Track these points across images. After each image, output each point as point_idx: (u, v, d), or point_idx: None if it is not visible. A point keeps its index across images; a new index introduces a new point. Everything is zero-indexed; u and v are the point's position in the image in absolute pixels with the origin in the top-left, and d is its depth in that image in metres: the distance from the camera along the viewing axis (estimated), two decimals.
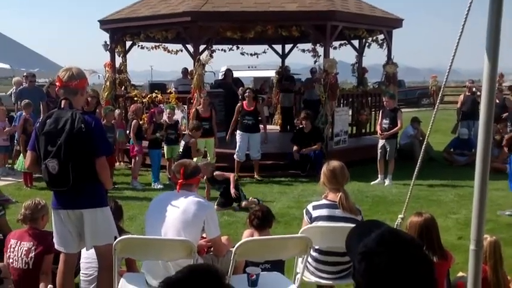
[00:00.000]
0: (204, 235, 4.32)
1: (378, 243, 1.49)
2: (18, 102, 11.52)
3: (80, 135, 3.71)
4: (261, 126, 11.02)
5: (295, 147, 10.86)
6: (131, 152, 10.52)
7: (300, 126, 11.28)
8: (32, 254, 4.61)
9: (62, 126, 3.73)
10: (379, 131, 10.50)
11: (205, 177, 8.32)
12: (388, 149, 10.09)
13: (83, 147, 3.73)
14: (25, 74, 13.24)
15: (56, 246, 4.12)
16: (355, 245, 1.55)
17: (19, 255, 4.65)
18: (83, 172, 3.76)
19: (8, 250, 4.71)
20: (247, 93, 10.80)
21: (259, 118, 10.93)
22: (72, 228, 3.94)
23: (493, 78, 2.34)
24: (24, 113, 10.47)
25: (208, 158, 10.41)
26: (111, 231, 3.99)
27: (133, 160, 10.32)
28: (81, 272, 4.57)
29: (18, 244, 4.69)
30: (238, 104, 10.88)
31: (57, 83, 4.01)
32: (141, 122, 10.90)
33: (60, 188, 3.82)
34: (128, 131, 10.79)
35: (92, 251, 4.10)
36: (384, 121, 10.31)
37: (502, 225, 7.19)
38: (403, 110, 12.06)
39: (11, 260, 4.68)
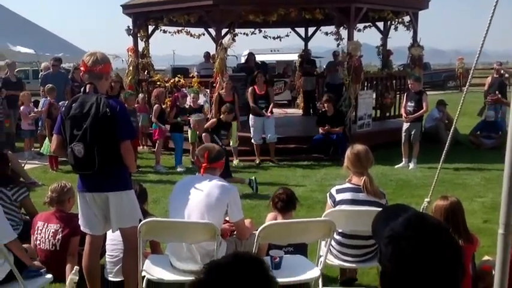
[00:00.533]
0: (227, 218, 4.34)
1: (405, 227, 1.47)
2: (43, 87, 11.65)
3: (105, 120, 3.74)
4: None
5: (321, 129, 10.80)
6: (154, 136, 10.60)
7: (323, 109, 11.19)
8: (59, 236, 4.70)
9: (87, 111, 3.77)
10: (403, 114, 10.37)
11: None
12: (412, 132, 9.96)
13: (108, 131, 3.76)
14: (51, 59, 13.38)
15: (81, 229, 4.18)
16: (381, 229, 1.54)
17: (46, 237, 4.75)
18: (108, 156, 3.79)
19: (35, 232, 4.82)
20: (258, 77, 10.77)
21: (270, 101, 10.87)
22: (98, 210, 3.98)
23: None
24: (48, 98, 10.61)
25: (231, 142, 10.43)
26: (136, 213, 4.02)
27: (156, 144, 10.39)
28: (106, 253, 4.64)
29: (45, 226, 4.79)
30: (251, 88, 10.86)
31: (82, 68, 4.05)
32: (163, 106, 10.96)
33: (85, 172, 3.86)
34: (150, 115, 10.86)
35: (118, 233, 4.15)
36: (409, 104, 10.17)
37: None
38: (428, 93, 11.88)
39: (38, 242, 4.79)
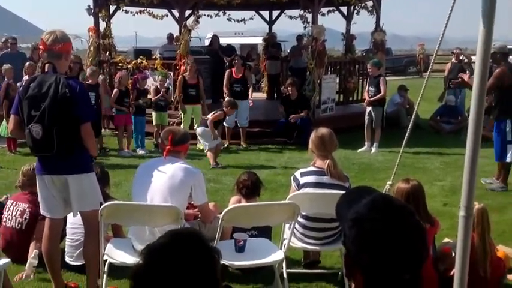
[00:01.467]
0: (192, 202, 4.30)
1: (369, 209, 1.46)
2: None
3: (64, 100, 3.61)
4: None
5: (281, 109, 10.85)
6: (115, 121, 10.37)
7: (287, 93, 11.21)
8: (26, 215, 4.62)
9: (45, 91, 3.63)
10: (366, 98, 10.49)
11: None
12: (374, 117, 10.10)
13: (67, 113, 3.64)
14: (6, 38, 12.96)
15: (41, 212, 4.08)
16: (345, 211, 1.53)
17: (13, 215, 4.67)
18: (68, 137, 3.68)
19: (4, 210, 4.71)
20: (235, 60, 10.67)
21: (248, 85, 10.80)
22: (57, 193, 3.88)
23: (487, 43, 2.29)
24: (6, 78, 10.27)
25: (195, 125, 10.34)
26: (96, 197, 3.93)
27: (119, 130, 10.18)
28: (66, 237, 4.57)
29: (13, 204, 4.72)
30: (228, 71, 10.76)
31: (41, 47, 3.90)
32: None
33: (44, 154, 3.74)
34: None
35: (78, 216, 4.06)
36: (370, 89, 10.30)
37: (488, 192, 7.27)
38: (390, 78, 12.04)
39: (4, 219, 4.68)
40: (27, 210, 4.66)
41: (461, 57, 13.28)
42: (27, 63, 10.61)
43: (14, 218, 4.69)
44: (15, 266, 4.51)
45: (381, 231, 1.41)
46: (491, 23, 2.23)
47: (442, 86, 13.71)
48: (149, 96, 10.48)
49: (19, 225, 4.66)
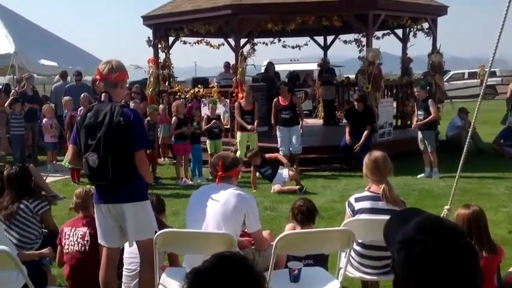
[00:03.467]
0: (246, 230, 4.27)
1: (418, 231, 1.39)
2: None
3: (119, 129, 3.69)
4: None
5: (347, 131, 10.71)
6: (173, 150, 10.50)
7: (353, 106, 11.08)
8: (87, 238, 4.66)
9: (101, 120, 3.73)
10: (414, 123, 10.27)
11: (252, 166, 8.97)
12: (426, 141, 9.82)
13: (121, 141, 3.71)
14: (74, 72, 13.59)
15: (98, 241, 4.15)
16: (393, 234, 1.46)
17: (75, 240, 4.73)
18: (123, 166, 3.75)
19: (63, 238, 4.81)
20: (281, 89, 10.70)
21: (297, 111, 10.73)
22: (114, 222, 3.94)
23: None
24: (66, 110, 10.73)
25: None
26: (152, 225, 3.96)
27: (177, 159, 10.31)
28: (124, 267, 4.60)
29: (73, 231, 4.78)
30: (275, 99, 10.79)
31: (97, 76, 4.03)
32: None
33: (100, 182, 3.83)
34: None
35: (135, 246, 4.09)
36: (419, 112, 10.08)
37: None
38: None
39: (66, 247, 4.77)
40: (88, 232, 4.71)
41: None
42: (82, 95, 11.04)
43: (75, 242, 4.76)
44: None
45: (430, 253, 1.34)
46: None
47: (505, 108, 13.21)
48: (201, 124, 10.58)
49: (82, 248, 4.70)
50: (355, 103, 10.82)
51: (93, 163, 3.72)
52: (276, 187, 9.06)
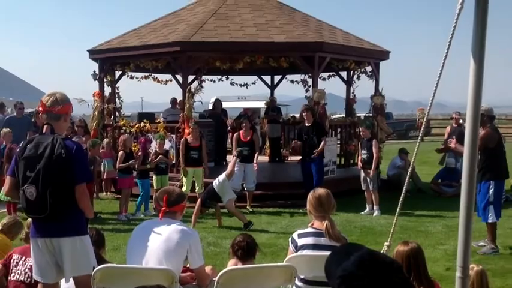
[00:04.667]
0: (188, 265, 4.21)
1: (358, 266, 1.43)
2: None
3: (60, 161, 3.62)
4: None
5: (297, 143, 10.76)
6: (118, 184, 10.32)
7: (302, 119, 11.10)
8: None
9: (41, 152, 3.65)
10: (359, 162, 10.53)
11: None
12: (368, 180, 10.08)
13: (62, 173, 3.63)
14: (15, 103, 13.23)
15: (34, 277, 3.99)
16: (334, 269, 1.49)
17: (23, 270, 4.58)
18: (62, 199, 3.65)
19: (11, 265, 4.62)
20: (244, 124, 10.75)
21: (255, 148, 10.78)
22: (50, 257, 3.80)
23: (477, 109, 2.34)
24: (4, 142, 10.40)
25: (197, 188, 10.32)
26: (90, 261, 3.85)
27: (122, 192, 10.09)
28: None
29: (22, 259, 4.62)
30: (236, 134, 10.81)
31: (40, 108, 3.95)
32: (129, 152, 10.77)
33: (37, 215, 3.71)
34: (115, 161, 10.66)
35: (71, 282, 3.96)
36: (363, 151, 10.39)
37: (489, 255, 7.13)
38: (391, 141, 12.10)
39: (12, 274, 4.59)
40: None
41: (460, 121, 13.39)
42: (2, 131, 10.74)
43: (23, 272, 4.61)
44: None
45: None
46: (479, 88, 2.28)
47: None
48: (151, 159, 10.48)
49: (28, 279, 4.56)
50: (304, 113, 10.71)
51: (31, 196, 3.62)
52: (228, 204, 9.05)
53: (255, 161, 10.62)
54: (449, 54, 2.55)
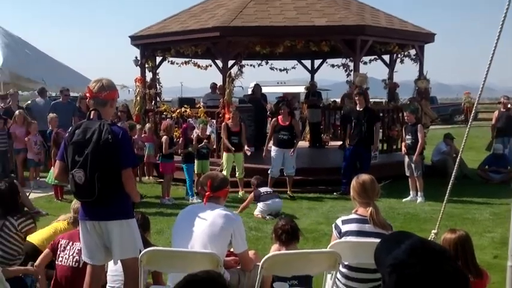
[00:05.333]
0: (231, 249, 4.25)
1: (409, 254, 1.40)
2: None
3: (107, 146, 3.68)
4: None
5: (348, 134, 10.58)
6: (161, 168, 10.43)
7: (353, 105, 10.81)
8: None
9: (89, 137, 3.72)
10: (403, 148, 10.33)
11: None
12: (413, 166, 9.89)
13: (109, 158, 3.70)
14: (61, 89, 13.52)
15: (83, 258, 4.10)
16: (384, 257, 1.46)
17: (70, 254, 4.66)
18: (109, 183, 3.73)
19: (58, 250, 4.74)
20: (282, 109, 10.69)
21: (295, 133, 10.64)
22: (98, 239, 3.90)
23: None
24: (50, 127, 10.66)
25: (237, 173, 10.37)
26: (137, 243, 3.93)
27: (165, 177, 10.17)
28: (107, 284, 4.54)
29: (69, 244, 4.71)
30: (273, 119, 10.77)
31: (88, 94, 4.02)
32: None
33: (86, 199, 3.80)
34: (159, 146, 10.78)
35: (119, 264, 4.05)
36: (407, 137, 10.16)
37: None
38: (436, 126, 11.85)
39: (60, 259, 4.70)
40: None
41: (508, 106, 13.00)
42: (49, 116, 11.02)
43: (71, 256, 4.70)
44: None
45: (420, 276, 1.34)
46: None
47: (490, 135, 13.40)
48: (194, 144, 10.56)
49: (76, 264, 4.64)
50: (356, 97, 10.44)
51: (80, 180, 3.70)
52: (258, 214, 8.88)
53: (294, 147, 10.48)
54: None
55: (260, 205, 8.77)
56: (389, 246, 1.50)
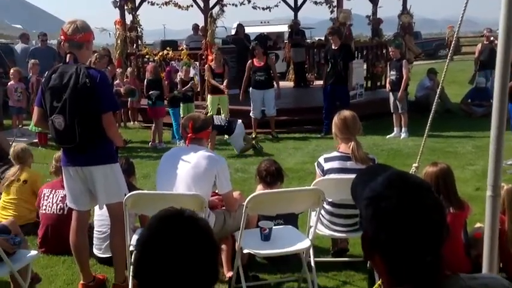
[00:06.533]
0: (216, 190, 4.27)
1: (386, 186, 1.39)
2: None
3: (85, 90, 3.60)
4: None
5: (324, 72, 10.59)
6: (153, 113, 10.14)
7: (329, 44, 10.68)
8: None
9: (66, 81, 3.63)
10: (387, 84, 10.31)
11: None
12: (397, 103, 9.91)
13: (88, 103, 3.62)
14: (38, 34, 13.20)
15: (67, 204, 4.11)
16: (361, 190, 1.46)
17: (54, 201, 4.73)
18: (90, 128, 3.67)
19: (41, 199, 4.77)
20: (256, 50, 10.53)
21: (271, 73, 10.59)
22: (83, 185, 3.88)
23: (509, 24, 2.21)
24: (31, 73, 10.46)
25: (223, 115, 10.33)
26: (121, 188, 3.92)
27: (155, 122, 10.02)
28: (94, 229, 4.59)
29: (52, 192, 4.77)
30: (249, 61, 10.62)
31: (62, 37, 3.90)
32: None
33: (67, 145, 3.75)
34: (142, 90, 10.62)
35: (105, 208, 4.06)
36: (392, 73, 10.11)
37: None
38: (420, 62, 11.80)
39: (44, 207, 4.74)
40: None
41: (491, 38, 12.93)
42: (30, 62, 10.76)
43: (54, 204, 4.75)
44: (52, 256, 4.64)
45: (397, 208, 1.34)
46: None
47: (473, 68, 13.40)
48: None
49: (61, 211, 4.70)
50: (330, 37, 10.37)
51: (59, 126, 3.64)
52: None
53: (275, 87, 10.43)
54: None
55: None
56: (365, 179, 1.49)
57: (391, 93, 10.11)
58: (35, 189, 5.14)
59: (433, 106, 3.43)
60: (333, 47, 10.31)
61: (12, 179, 5.12)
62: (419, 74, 13.64)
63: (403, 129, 9.99)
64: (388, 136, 9.98)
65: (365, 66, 12.90)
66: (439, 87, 3.74)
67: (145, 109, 10.64)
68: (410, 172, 3.46)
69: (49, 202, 4.79)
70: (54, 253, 4.75)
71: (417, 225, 1.33)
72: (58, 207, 4.74)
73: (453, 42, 3.76)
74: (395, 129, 10.09)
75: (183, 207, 1.56)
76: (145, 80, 10.25)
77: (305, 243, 3.91)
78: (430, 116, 3.34)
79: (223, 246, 4.22)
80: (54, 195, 4.80)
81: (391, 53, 10.35)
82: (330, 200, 4.12)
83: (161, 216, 1.55)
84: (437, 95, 3.69)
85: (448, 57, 3.29)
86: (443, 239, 1.37)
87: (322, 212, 4.16)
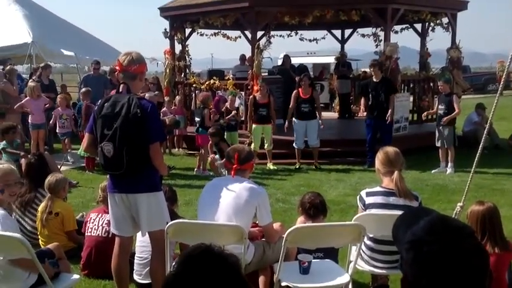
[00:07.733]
0: (257, 221, 4.29)
1: (427, 231, 1.39)
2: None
3: (136, 120, 3.72)
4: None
5: (362, 104, 10.49)
6: (199, 140, 10.25)
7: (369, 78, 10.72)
8: None
9: (118, 110, 3.77)
10: (424, 115, 10.21)
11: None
12: (444, 136, 9.73)
13: (137, 132, 3.74)
14: (92, 62, 13.61)
15: (111, 230, 4.21)
16: (402, 233, 1.46)
17: (100, 224, 4.86)
18: (137, 157, 3.78)
19: (88, 222, 4.91)
20: (303, 81, 10.62)
21: (315, 105, 10.58)
22: (126, 212, 3.98)
23: None
24: (84, 101, 10.77)
25: (266, 145, 10.40)
26: (164, 216, 3.99)
27: (201, 150, 10.08)
28: (135, 255, 4.66)
29: (99, 216, 4.92)
30: (295, 91, 10.71)
31: (117, 67, 4.06)
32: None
33: (114, 172, 3.87)
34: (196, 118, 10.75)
35: (147, 235, 4.13)
36: (440, 107, 9.96)
37: None
38: (468, 96, 11.61)
39: (89, 230, 4.88)
40: None
41: None
42: (82, 90, 11.07)
43: (100, 227, 4.87)
44: (93, 280, 4.74)
45: (438, 254, 1.34)
46: None
47: None
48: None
49: (106, 233, 4.80)
50: (371, 69, 10.37)
51: (108, 153, 3.77)
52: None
53: (318, 118, 10.48)
54: None
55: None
56: (407, 223, 1.49)
57: (437, 128, 9.95)
58: (66, 225, 5.24)
59: (482, 142, 3.38)
60: (374, 80, 10.30)
61: (44, 212, 5.18)
62: (467, 108, 13.38)
63: (449, 164, 9.79)
64: (433, 171, 9.80)
65: (411, 99, 12.76)
66: (489, 122, 3.67)
67: (190, 136, 10.81)
68: (455, 210, 3.40)
69: (95, 225, 4.92)
70: (95, 276, 4.84)
71: (458, 272, 1.32)
72: (103, 230, 4.86)
73: (503, 77, 3.71)
74: (441, 163, 9.90)
75: (213, 243, 1.54)
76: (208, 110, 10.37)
77: (344, 278, 3.87)
78: (478, 152, 3.29)
79: (262, 278, 4.21)
80: (101, 219, 4.93)
81: (440, 87, 10.21)
82: (371, 235, 4.08)
83: (189, 254, 1.53)
84: (485, 130, 3.63)
85: (498, 92, 3.24)
86: (486, 285, 1.35)
87: (363, 247, 4.11)
